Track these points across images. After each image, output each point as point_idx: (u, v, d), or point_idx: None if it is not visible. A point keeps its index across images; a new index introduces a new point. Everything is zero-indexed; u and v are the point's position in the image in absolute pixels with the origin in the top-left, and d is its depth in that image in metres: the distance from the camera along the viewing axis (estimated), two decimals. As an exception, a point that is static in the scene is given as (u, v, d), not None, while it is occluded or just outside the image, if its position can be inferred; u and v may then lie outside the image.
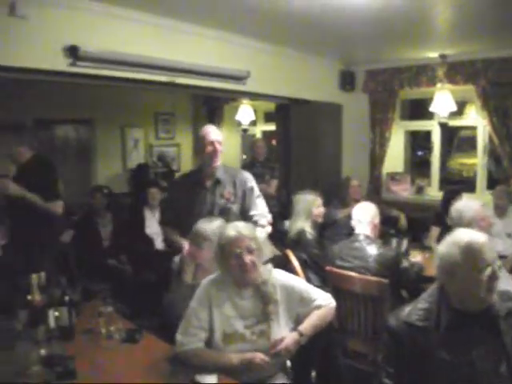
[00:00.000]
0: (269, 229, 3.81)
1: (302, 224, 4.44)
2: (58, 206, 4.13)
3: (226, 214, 3.59)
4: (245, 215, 3.72)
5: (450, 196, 5.18)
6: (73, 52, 3.93)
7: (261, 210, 3.80)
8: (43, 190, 4.00)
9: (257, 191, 3.85)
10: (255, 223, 3.61)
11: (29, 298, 2.88)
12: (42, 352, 2.46)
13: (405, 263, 3.76)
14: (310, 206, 4.51)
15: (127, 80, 4.50)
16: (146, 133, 8.37)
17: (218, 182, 3.75)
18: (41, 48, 3.82)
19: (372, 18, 4.51)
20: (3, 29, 3.62)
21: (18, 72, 3.84)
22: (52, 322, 2.88)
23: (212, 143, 3.69)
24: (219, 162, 3.74)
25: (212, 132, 3.76)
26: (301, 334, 2.57)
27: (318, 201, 4.58)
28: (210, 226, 3.17)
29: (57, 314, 2.90)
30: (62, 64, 3.95)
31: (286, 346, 2.51)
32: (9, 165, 4.21)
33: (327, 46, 5.85)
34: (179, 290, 3.27)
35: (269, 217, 3.84)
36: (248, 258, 2.56)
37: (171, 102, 8.32)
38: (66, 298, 2.94)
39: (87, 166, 7.74)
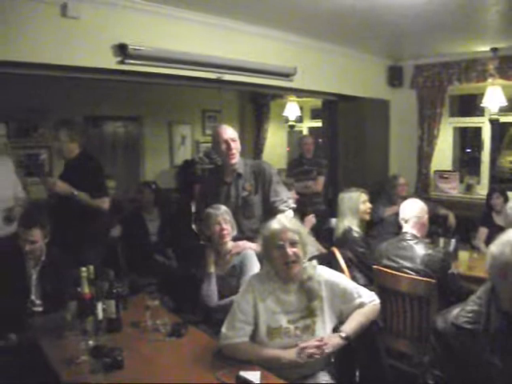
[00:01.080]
0: (290, 213, 3.79)
1: (348, 222, 4.38)
2: (104, 203, 4.25)
3: (248, 206, 3.79)
4: (266, 204, 3.81)
5: (493, 195, 5.07)
6: (122, 50, 4.02)
7: (281, 195, 3.84)
8: (90, 186, 4.11)
9: (276, 178, 3.89)
10: (275, 209, 3.69)
11: (78, 290, 2.95)
12: (90, 343, 2.53)
13: (453, 270, 3.66)
14: (356, 202, 4.45)
15: (175, 77, 4.56)
16: (193, 129, 8.44)
17: (239, 176, 3.84)
18: (91, 47, 3.92)
19: (421, 11, 4.43)
20: (56, 29, 3.73)
21: (69, 70, 3.93)
22: (100, 314, 2.95)
23: (226, 141, 3.75)
24: (236, 158, 3.79)
25: (226, 131, 3.82)
26: (346, 338, 2.56)
27: (365, 197, 4.52)
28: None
29: (105, 306, 2.98)
30: (111, 62, 4.04)
31: (329, 349, 2.52)
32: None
33: (375, 41, 5.78)
34: (205, 282, 3.47)
35: (289, 202, 3.86)
36: (291, 250, 2.57)
37: (218, 99, 8.36)
38: (114, 291, 3.02)
39: (135, 162, 7.86)
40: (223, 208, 3.57)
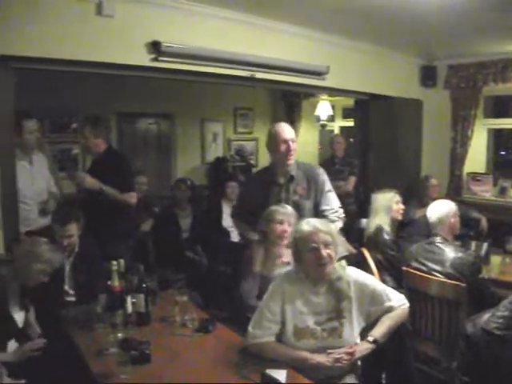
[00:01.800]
0: (339, 224, 3.75)
1: (380, 222, 4.33)
2: (131, 197, 4.30)
3: (299, 210, 3.59)
4: (316, 210, 3.71)
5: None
6: (155, 47, 4.06)
7: (332, 204, 3.77)
8: (117, 181, 4.17)
9: (328, 186, 3.81)
10: (325, 218, 3.57)
11: (109, 283, 3.00)
12: (119, 335, 2.56)
13: (484, 274, 3.58)
14: (388, 203, 4.40)
15: (207, 75, 4.58)
16: (225, 127, 8.49)
17: (291, 178, 3.73)
18: (125, 44, 3.97)
19: (455, 10, 4.36)
20: (91, 27, 3.79)
21: (103, 67, 3.99)
22: (129, 308, 3.00)
23: (286, 141, 3.65)
24: (293, 159, 3.71)
25: (286, 130, 3.71)
26: (374, 342, 2.55)
27: (398, 198, 4.47)
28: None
29: (134, 300, 3.02)
30: (144, 59, 4.08)
31: (358, 355, 2.52)
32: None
33: (408, 40, 5.71)
34: (248, 281, 3.38)
35: (340, 212, 3.79)
36: (325, 252, 2.56)
37: (250, 97, 8.38)
38: (144, 285, 3.06)
39: (167, 158, 7.94)
40: (291, 210, 3.49)
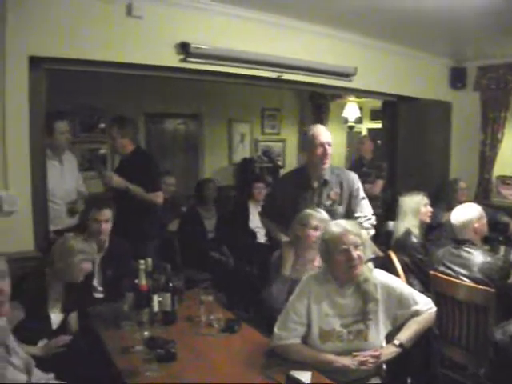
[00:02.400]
0: (372, 231, 3.75)
1: (408, 225, 4.28)
2: (158, 197, 4.34)
3: (332, 215, 3.51)
4: (349, 217, 3.65)
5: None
6: (184, 48, 4.08)
7: (365, 212, 3.76)
8: (144, 181, 4.21)
9: (362, 193, 3.80)
10: (359, 225, 3.56)
11: (136, 282, 3.04)
12: (146, 334, 2.58)
13: None
14: (417, 205, 4.34)
15: (235, 75, 4.59)
16: (252, 128, 8.50)
17: (325, 183, 3.72)
18: (154, 45, 4.00)
19: (486, 10, 4.28)
20: (121, 28, 3.84)
21: (132, 68, 4.03)
22: (156, 307, 3.03)
23: (323, 145, 3.64)
24: (328, 163, 3.69)
25: (323, 133, 3.71)
26: (400, 346, 2.54)
27: (426, 200, 4.42)
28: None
29: (161, 299, 3.05)
30: (173, 60, 4.11)
31: (383, 358, 2.52)
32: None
33: (437, 41, 5.64)
34: (277, 284, 3.33)
35: (373, 219, 3.79)
36: (355, 253, 2.55)
37: (278, 98, 8.39)
38: (171, 284, 3.09)
39: (194, 159, 7.98)
40: (325, 215, 3.39)
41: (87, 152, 6.70)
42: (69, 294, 3.10)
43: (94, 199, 3.95)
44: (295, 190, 3.75)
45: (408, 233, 4.22)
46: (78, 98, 6.07)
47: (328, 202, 3.69)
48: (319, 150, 3.63)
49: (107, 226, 3.64)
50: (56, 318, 3.04)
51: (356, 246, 2.58)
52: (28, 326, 2.40)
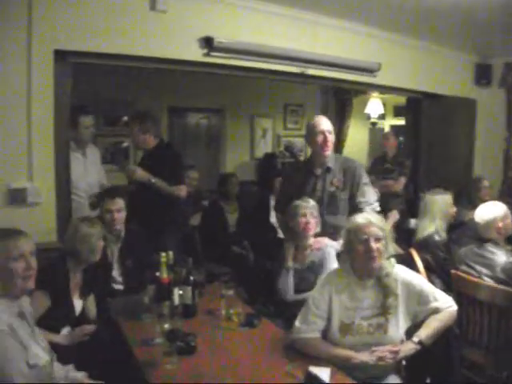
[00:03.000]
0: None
1: (436, 225, 4.20)
2: (181, 190, 4.35)
3: (335, 201, 3.76)
4: (352, 202, 3.77)
5: None
6: (207, 43, 4.10)
7: (367, 197, 3.80)
8: (167, 174, 4.23)
9: (365, 179, 3.85)
10: (360, 210, 3.60)
11: (157, 274, 3.05)
12: (166, 326, 2.60)
13: None
14: (446, 206, 4.27)
15: (258, 70, 4.59)
16: (275, 123, 8.48)
17: (328, 170, 3.81)
18: (178, 39, 4.03)
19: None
20: (145, 22, 3.87)
21: (156, 62, 4.05)
22: (176, 299, 3.04)
23: (322, 132, 3.74)
24: (330, 151, 3.78)
25: (323, 122, 3.80)
26: (419, 343, 2.51)
27: (451, 200, 4.37)
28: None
29: (181, 292, 3.06)
30: (197, 54, 4.13)
31: (402, 355, 2.50)
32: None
33: (462, 37, 5.59)
34: (281, 276, 3.49)
35: (375, 205, 3.82)
36: (375, 245, 2.55)
37: (301, 94, 8.35)
38: (192, 277, 3.09)
39: (216, 153, 7.99)
40: (312, 202, 3.57)
41: (110, 145, 6.75)
42: (85, 277, 3.16)
43: (106, 190, 4.01)
44: (301, 179, 3.88)
45: (434, 232, 4.15)
46: (101, 91, 6.11)
47: (332, 189, 3.79)
48: (319, 138, 3.74)
49: (120, 215, 3.67)
50: (77, 303, 3.11)
51: (377, 239, 2.57)
52: (53, 314, 2.44)
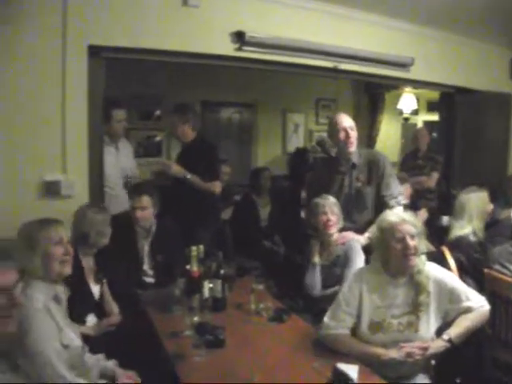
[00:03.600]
0: (400, 209, 3.65)
1: (472, 225, 4.08)
2: (215, 187, 4.39)
3: (362, 197, 3.75)
4: (377, 196, 3.75)
5: None
6: (239, 37, 4.11)
7: (391, 190, 3.75)
8: (203, 170, 4.26)
9: (389, 171, 3.81)
10: (385, 204, 3.63)
11: (187, 267, 3.08)
12: (195, 319, 2.62)
13: None
14: (483, 204, 4.10)
15: (290, 65, 4.58)
16: (307, 118, 8.46)
17: (353, 166, 3.79)
18: (210, 34, 4.04)
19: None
20: (177, 17, 3.90)
21: (188, 56, 4.08)
22: (206, 293, 3.07)
23: (344, 129, 3.73)
24: (354, 147, 3.76)
25: (344, 119, 3.81)
26: (449, 341, 2.48)
27: (488, 197, 4.25)
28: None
29: (211, 285, 3.09)
30: (228, 49, 4.14)
31: (431, 352, 2.47)
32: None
33: (497, 29, 5.48)
34: (308, 272, 3.50)
35: (399, 198, 3.76)
36: (412, 243, 2.53)
37: (333, 89, 8.30)
38: (222, 271, 3.13)
39: (248, 148, 8.00)
40: (331, 199, 3.56)
41: (143, 139, 6.82)
42: (98, 262, 3.22)
43: (134, 187, 4.01)
44: (327, 176, 3.88)
45: (471, 231, 4.04)
46: (134, 86, 6.17)
47: (358, 184, 3.78)
48: (342, 135, 3.74)
49: (144, 213, 3.68)
50: (95, 289, 3.16)
51: (412, 236, 2.55)
52: (74, 302, 2.49)
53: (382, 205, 3.63)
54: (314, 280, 3.46)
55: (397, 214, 2.67)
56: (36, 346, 1.95)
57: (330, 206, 3.50)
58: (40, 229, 2.32)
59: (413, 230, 2.57)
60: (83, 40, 3.57)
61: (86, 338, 2.53)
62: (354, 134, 3.75)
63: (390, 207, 3.58)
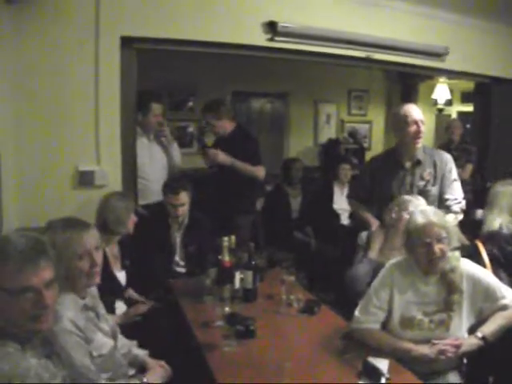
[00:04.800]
0: (460, 216, 3.60)
1: (504, 217, 4.02)
2: (260, 171, 4.44)
3: (425, 197, 3.41)
4: (440, 198, 3.58)
5: None
6: (271, 27, 4.07)
7: (456, 194, 3.60)
8: (245, 156, 4.31)
9: (455, 174, 3.65)
10: (448, 208, 3.47)
11: (219, 257, 3.09)
12: (226, 309, 2.64)
13: None
14: None
15: (323, 55, 4.53)
16: (339, 108, 8.40)
17: (418, 162, 3.60)
18: (242, 24, 4.02)
19: None
20: (209, 7, 3.88)
21: (220, 47, 4.07)
22: (237, 283, 3.09)
23: (416, 122, 3.52)
24: (421, 142, 3.57)
25: (415, 111, 3.60)
26: (482, 339, 2.44)
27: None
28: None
29: (242, 276, 3.09)
30: (261, 39, 4.11)
31: (464, 349, 2.43)
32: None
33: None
34: (362, 266, 3.29)
35: (463, 203, 3.63)
36: (437, 247, 2.44)
37: (365, 79, 8.22)
38: (253, 262, 3.12)
39: (280, 138, 7.99)
40: (422, 201, 3.25)
41: (175, 130, 6.85)
42: (122, 249, 3.28)
43: (169, 182, 3.98)
44: (387, 171, 3.66)
45: (502, 226, 3.97)
46: (166, 76, 6.21)
47: (421, 183, 3.57)
48: (412, 128, 3.51)
49: (183, 209, 3.74)
50: (120, 275, 3.23)
51: (439, 240, 2.46)
52: (101, 289, 2.52)
53: (443, 208, 3.40)
54: (365, 275, 3.18)
55: (425, 215, 2.54)
56: (65, 360, 1.95)
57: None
58: (63, 239, 2.18)
59: (441, 233, 2.47)
60: (115, 31, 3.59)
61: (120, 325, 2.57)
62: (423, 128, 3.54)
63: (454, 212, 3.47)
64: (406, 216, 3.16)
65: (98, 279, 2.29)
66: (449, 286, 2.51)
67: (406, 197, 3.31)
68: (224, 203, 4.25)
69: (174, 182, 3.93)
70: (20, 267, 1.60)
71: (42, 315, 1.66)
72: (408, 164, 3.62)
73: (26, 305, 1.61)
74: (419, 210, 2.66)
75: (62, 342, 2.02)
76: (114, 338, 2.40)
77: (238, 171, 4.30)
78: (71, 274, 2.18)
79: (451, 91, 8.26)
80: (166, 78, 6.24)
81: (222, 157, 4.28)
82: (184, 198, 3.72)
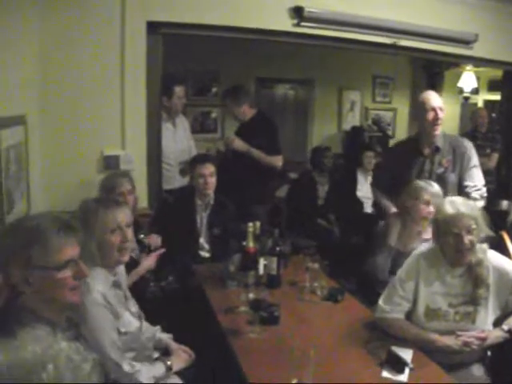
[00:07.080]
0: (481, 203, 3.52)
1: None
2: (278, 160, 4.42)
3: (443, 184, 3.41)
4: (460, 185, 3.55)
5: None
6: (298, 13, 4.04)
7: (475, 181, 3.56)
8: (264, 144, 4.29)
9: (475, 161, 3.60)
10: (467, 195, 3.42)
11: (243, 243, 3.10)
12: (250, 295, 2.64)
13: None
14: None
15: (349, 41, 4.49)
16: (363, 96, 8.33)
17: (437, 149, 3.58)
18: (268, 9, 4.00)
19: None
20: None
21: (245, 32, 4.05)
22: (261, 269, 3.09)
23: (434, 109, 3.52)
24: (440, 129, 3.56)
25: (434, 98, 3.59)
26: (508, 331, 2.41)
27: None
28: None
29: (266, 262, 3.10)
30: (287, 25, 4.09)
31: (489, 342, 2.41)
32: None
33: None
34: (382, 254, 3.29)
35: (483, 190, 3.58)
36: (467, 239, 2.40)
37: (390, 66, 8.13)
38: (277, 248, 3.11)
39: (304, 125, 7.96)
40: (438, 190, 3.24)
41: (199, 115, 6.87)
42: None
43: (195, 156, 4.04)
44: (407, 158, 3.65)
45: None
46: (190, 61, 6.21)
47: (440, 170, 3.57)
48: (430, 115, 3.52)
49: (212, 180, 3.72)
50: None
51: (469, 231, 2.41)
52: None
53: (463, 195, 3.29)
54: (383, 264, 3.24)
55: (454, 206, 2.48)
56: (92, 336, 1.97)
57: (436, 198, 3.13)
58: (96, 214, 2.25)
59: (470, 224, 2.42)
60: (141, 17, 3.60)
61: (144, 311, 2.59)
62: (442, 115, 3.53)
63: (473, 198, 3.40)
64: (421, 205, 3.18)
65: (127, 256, 2.35)
66: (475, 279, 2.47)
67: (420, 183, 3.29)
68: (238, 191, 4.22)
69: (199, 155, 4.00)
70: (59, 244, 1.64)
71: (79, 286, 1.72)
72: (427, 151, 3.62)
73: (68, 278, 1.66)
74: (448, 200, 2.60)
75: (92, 313, 2.07)
76: (140, 320, 2.43)
77: (254, 159, 4.29)
78: (103, 247, 2.23)
79: (478, 79, 8.14)
80: (190, 64, 6.24)
81: (238, 143, 4.28)
82: (212, 168, 3.72)
